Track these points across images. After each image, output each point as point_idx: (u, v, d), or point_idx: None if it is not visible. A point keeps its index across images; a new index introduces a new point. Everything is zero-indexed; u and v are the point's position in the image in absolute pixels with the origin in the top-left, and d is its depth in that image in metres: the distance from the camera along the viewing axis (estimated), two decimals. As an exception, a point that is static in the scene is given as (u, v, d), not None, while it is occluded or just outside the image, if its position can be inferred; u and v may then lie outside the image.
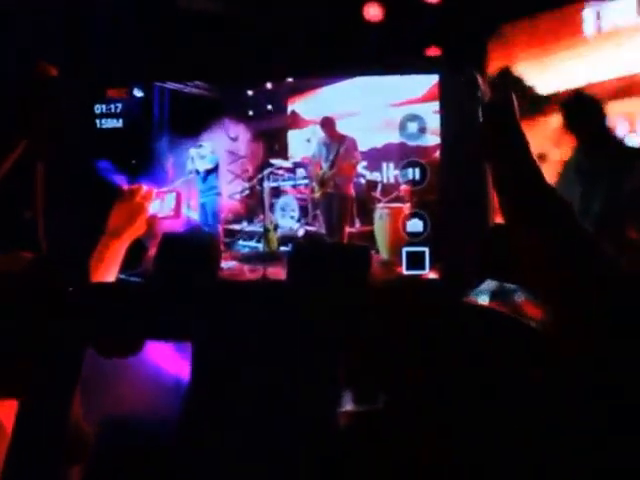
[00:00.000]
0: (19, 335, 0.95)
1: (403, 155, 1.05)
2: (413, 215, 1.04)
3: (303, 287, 0.98)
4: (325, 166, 1.22)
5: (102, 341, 1.02)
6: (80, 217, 1.07)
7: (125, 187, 1.09)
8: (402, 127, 1.05)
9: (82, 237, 1.07)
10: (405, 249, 1.04)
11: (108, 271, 1.08)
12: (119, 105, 1.09)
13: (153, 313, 1.00)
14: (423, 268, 1.03)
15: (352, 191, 1.18)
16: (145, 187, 1.11)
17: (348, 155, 1.18)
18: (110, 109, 1.09)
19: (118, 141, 1.11)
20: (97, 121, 1.09)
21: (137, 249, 1.09)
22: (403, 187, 1.06)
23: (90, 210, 1.08)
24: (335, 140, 1.18)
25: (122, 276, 1.10)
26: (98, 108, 1.09)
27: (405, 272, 1.03)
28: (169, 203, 1.13)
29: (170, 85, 1.13)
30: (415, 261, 1.03)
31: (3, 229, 1.12)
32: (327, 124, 1.15)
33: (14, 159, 1.04)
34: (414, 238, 1.04)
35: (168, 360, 1.44)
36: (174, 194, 1.13)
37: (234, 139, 1.16)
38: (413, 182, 1.05)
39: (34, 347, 0.96)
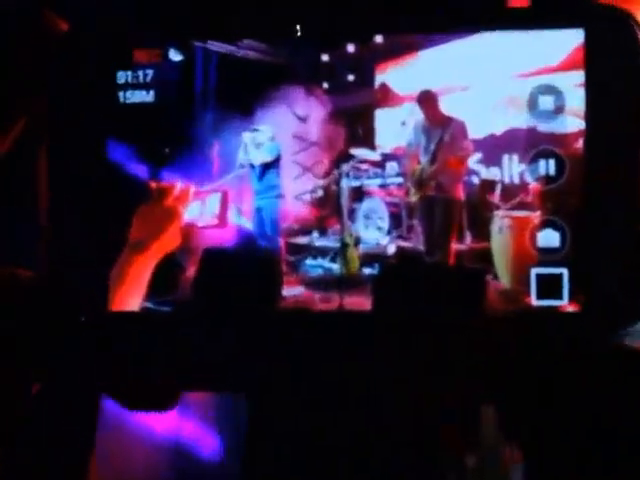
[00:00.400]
0: (16, 377, 1.01)
1: (532, 144, 1.04)
2: (546, 224, 1.03)
3: (393, 323, 1.00)
4: (424, 160, 1.22)
5: (124, 390, 1.06)
6: (95, 223, 1.08)
7: (153, 185, 1.13)
8: (532, 103, 1.03)
9: (97, 249, 1.08)
10: (535, 270, 1.03)
11: (131, 294, 1.08)
12: (150, 72, 1.10)
13: (192, 354, 1.03)
14: (560, 297, 1.02)
15: (461, 194, 1.18)
16: (180, 185, 1.13)
17: (455, 145, 1.17)
18: (138, 78, 1.09)
19: (148, 121, 1.12)
20: (120, 94, 1.10)
21: (170, 268, 1.10)
22: (532, 187, 1.05)
23: (107, 214, 1.09)
24: (437, 124, 1.19)
25: (149, 304, 1.14)
26: (122, 76, 1.09)
27: (535, 303, 1.03)
28: (212, 207, 1.15)
29: (217, 46, 1.16)
30: (549, 287, 1.02)
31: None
32: (427, 101, 1.14)
33: (11, 141, 1.09)
34: (548, 256, 1.03)
35: (163, 419, 1.47)
36: (219, 195, 1.16)
37: (303, 119, 1.18)
38: (546, 179, 1.04)
39: (30, 395, 1.02)
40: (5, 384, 0.97)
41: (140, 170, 1.12)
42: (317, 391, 0.99)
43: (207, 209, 1.15)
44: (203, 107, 1.14)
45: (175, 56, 1.11)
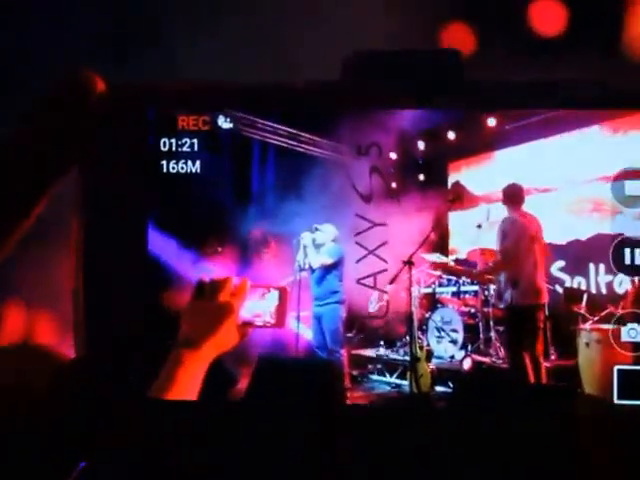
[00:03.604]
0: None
1: (620, 250, 1.04)
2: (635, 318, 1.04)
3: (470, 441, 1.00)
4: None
5: None
6: (132, 302, 1.05)
7: (206, 278, 1.11)
8: (617, 186, 1.03)
9: (133, 328, 1.06)
10: (617, 367, 1.03)
11: (184, 395, 1.07)
12: (195, 141, 1.07)
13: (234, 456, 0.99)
14: None
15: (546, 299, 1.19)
16: (236, 279, 1.12)
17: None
18: (183, 145, 1.07)
19: (193, 196, 1.11)
20: (163, 163, 1.07)
21: (218, 376, 1.10)
22: (630, 292, 1.05)
23: (145, 301, 1.06)
24: (526, 221, 1.19)
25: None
26: (165, 144, 1.07)
27: (616, 401, 1.03)
28: (269, 304, 1.14)
29: (277, 140, 1.18)
30: (633, 385, 1.02)
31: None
32: (513, 194, 1.15)
33: (36, 215, 1.08)
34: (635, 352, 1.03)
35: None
36: (277, 292, 1.15)
37: (366, 199, 1.17)
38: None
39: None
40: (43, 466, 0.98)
41: (185, 261, 1.14)
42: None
43: (265, 306, 1.15)
44: (261, 192, 1.18)
45: (225, 124, 1.09)
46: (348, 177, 1.16)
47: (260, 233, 1.19)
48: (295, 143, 1.19)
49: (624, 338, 1.04)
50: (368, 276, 1.17)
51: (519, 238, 1.20)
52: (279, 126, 1.13)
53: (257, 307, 1.14)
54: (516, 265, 1.21)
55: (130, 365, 1.05)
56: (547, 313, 1.17)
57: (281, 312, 1.15)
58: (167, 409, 1.05)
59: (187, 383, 1.07)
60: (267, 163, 1.19)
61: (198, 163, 1.08)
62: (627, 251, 1.03)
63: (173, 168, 1.08)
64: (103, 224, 1.03)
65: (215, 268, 1.15)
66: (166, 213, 1.08)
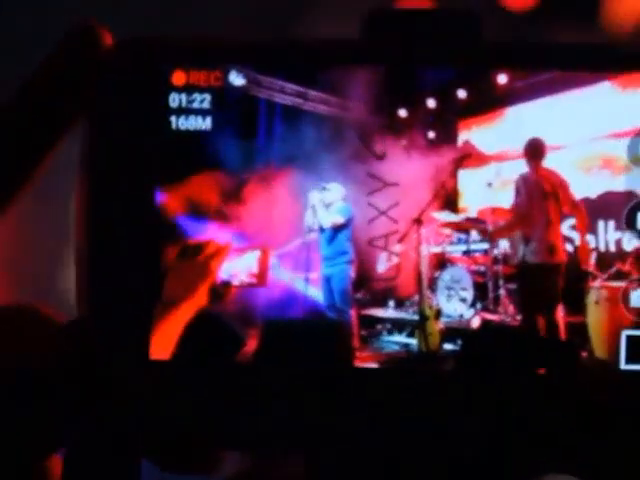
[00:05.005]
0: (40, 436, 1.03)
1: (631, 207, 1.06)
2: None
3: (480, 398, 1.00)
4: (540, 222, 1.25)
5: (166, 450, 1.07)
6: (135, 266, 1.05)
7: (190, 241, 1.12)
8: (632, 149, 1.04)
9: (136, 296, 1.06)
10: (626, 332, 1.04)
11: (159, 347, 1.08)
12: (206, 97, 1.07)
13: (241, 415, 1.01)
14: None
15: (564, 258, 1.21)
16: (217, 241, 1.13)
17: (567, 203, 1.20)
18: (193, 102, 1.07)
19: (203, 155, 1.12)
20: (172, 119, 1.07)
21: (227, 339, 1.12)
22: (632, 252, 1.07)
23: (150, 262, 1.07)
24: (545, 179, 1.23)
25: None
26: (174, 99, 1.06)
27: (623, 367, 1.04)
28: (248, 264, 1.17)
29: (284, 99, 1.21)
30: None
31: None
32: (532, 149, 1.15)
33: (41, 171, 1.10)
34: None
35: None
36: (257, 252, 1.17)
37: (380, 157, 1.17)
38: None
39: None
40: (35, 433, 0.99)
41: (190, 224, 1.14)
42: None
43: (243, 266, 1.17)
44: (266, 150, 1.19)
45: (237, 80, 1.08)
46: (358, 135, 1.17)
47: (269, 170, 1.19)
48: (304, 101, 1.21)
49: (633, 304, 1.06)
50: (379, 237, 1.18)
51: (530, 195, 1.23)
52: (289, 84, 1.15)
53: (236, 267, 1.16)
54: (527, 223, 1.24)
55: (134, 326, 1.06)
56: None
57: (262, 270, 1.18)
58: (173, 372, 1.07)
59: (164, 337, 1.09)
60: (275, 121, 1.20)
61: (209, 120, 1.08)
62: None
63: (182, 125, 1.07)
64: (109, 181, 1.03)
65: (216, 228, 1.16)
66: (174, 172, 1.09)
